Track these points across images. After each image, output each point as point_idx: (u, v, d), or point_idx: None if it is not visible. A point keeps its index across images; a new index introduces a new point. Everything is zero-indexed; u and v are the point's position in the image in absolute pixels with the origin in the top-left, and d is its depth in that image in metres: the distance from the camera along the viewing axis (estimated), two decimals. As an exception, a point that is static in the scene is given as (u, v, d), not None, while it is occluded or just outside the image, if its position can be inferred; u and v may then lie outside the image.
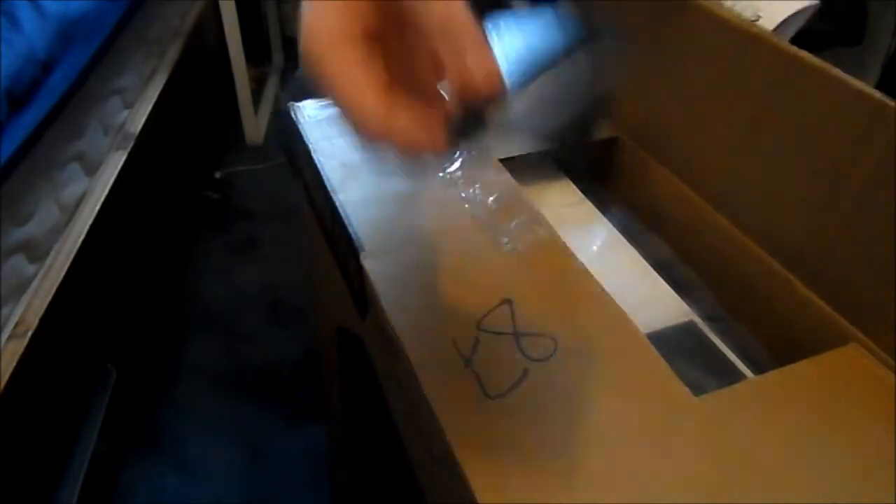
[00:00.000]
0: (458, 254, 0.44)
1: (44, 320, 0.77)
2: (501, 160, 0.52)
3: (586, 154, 0.62)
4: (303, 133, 0.54)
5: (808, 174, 0.42)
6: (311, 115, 0.56)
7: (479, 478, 0.32)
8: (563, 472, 0.33)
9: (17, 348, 0.73)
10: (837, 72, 0.39)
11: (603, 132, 0.57)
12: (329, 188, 0.49)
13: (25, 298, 0.80)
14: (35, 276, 0.84)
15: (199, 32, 1.61)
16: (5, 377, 0.66)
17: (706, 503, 0.32)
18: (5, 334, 0.74)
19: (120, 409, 1.06)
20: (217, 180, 1.77)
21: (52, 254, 0.88)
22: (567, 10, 0.33)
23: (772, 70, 0.43)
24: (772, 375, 0.39)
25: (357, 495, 0.79)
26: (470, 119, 0.28)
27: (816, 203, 0.41)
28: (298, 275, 1.41)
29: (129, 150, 1.13)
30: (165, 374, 1.27)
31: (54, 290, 0.82)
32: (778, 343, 0.45)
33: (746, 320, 0.47)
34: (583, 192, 0.58)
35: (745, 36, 0.44)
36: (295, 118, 0.55)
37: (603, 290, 0.42)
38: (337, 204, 0.47)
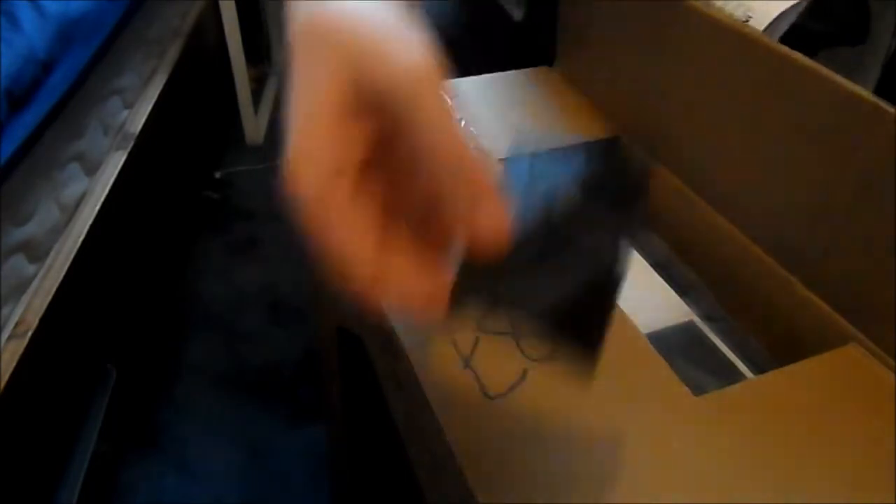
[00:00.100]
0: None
1: (44, 320, 0.77)
2: (501, 160, 0.52)
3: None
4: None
5: (806, 174, 0.42)
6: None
7: (479, 478, 0.32)
8: (563, 472, 0.33)
9: (17, 348, 0.73)
10: (829, 73, 0.39)
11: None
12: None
13: (25, 298, 0.80)
14: (35, 276, 0.84)
15: (199, 32, 1.61)
16: (5, 377, 0.66)
17: (706, 503, 0.32)
18: (5, 334, 0.74)
19: (120, 409, 1.06)
20: (217, 180, 1.77)
21: (52, 254, 0.88)
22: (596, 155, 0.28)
23: (764, 71, 0.43)
24: (772, 375, 0.39)
25: (357, 495, 0.79)
26: (469, 277, 0.25)
27: (816, 203, 0.41)
28: (298, 275, 1.41)
29: (129, 150, 1.13)
30: (165, 374, 1.27)
31: (54, 290, 0.82)
32: (778, 343, 0.45)
33: (746, 320, 0.47)
34: (583, 192, 0.58)
35: (737, 36, 0.44)
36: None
37: (603, 290, 0.42)
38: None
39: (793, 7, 0.46)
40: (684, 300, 0.49)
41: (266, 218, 1.65)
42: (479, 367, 0.37)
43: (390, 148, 0.24)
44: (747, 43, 0.44)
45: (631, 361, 0.38)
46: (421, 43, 0.25)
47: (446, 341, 0.38)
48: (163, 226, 1.43)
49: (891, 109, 0.36)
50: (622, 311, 0.41)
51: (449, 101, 0.24)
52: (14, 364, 0.69)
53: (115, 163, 1.09)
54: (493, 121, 0.58)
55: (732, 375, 0.44)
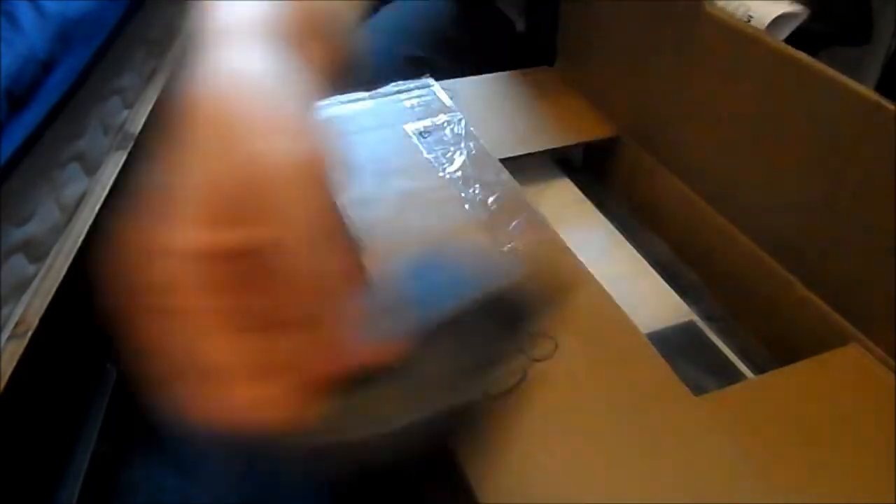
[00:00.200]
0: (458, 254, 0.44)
1: (44, 320, 0.77)
2: (501, 160, 0.52)
3: (586, 154, 0.62)
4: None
5: (807, 174, 0.42)
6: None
7: (479, 478, 0.32)
8: (563, 472, 0.33)
9: (17, 348, 0.73)
10: (831, 71, 0.39)
11: (603, 131, 0.58)
12: (329, 188, 0.48)
13: (25, 298, 0.79)
14: (35, 276, 0.83)
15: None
16: (5, 377, 0.66)
17: (706, 503, 0.32)
18: (5, 334, 0.73)
19: (120, 409, 1.06)
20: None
21: (52, 254, 0.88)
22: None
23: (765, 71, 0.43)
24: (772, 375, 0.39)
25: (357, 495, 0.79)
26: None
27: (816, 203, 0.41)
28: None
29: (129, 150, 1.13)
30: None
31: (54, 290, 0.82)
32: (778, 343, 0.45)
33: (746, 320, 0.47)
34: (583, 192, 0.58)
35: (738, 36, 0.44)
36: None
37: (603, 290, 0.42)
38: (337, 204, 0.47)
39: (792, 16, 0.46)
40: (684, 300, 0.49)
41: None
42: (479, 367, 0.37)
43: (258, 252, 0.21)
44: (749, 43, 0.44)
45: (631, 361, 0.38)
46: (311, 127, 0.23)
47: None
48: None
49: (891, 107, 0.36)
50: (622, 311, 0.41)
51: (330, 199, 0.22)
52: (14, 364, 0.68)
53: (116, 163, 1.09)
54: (493, 121, 0.58)
55: (732, 375, 0.44)
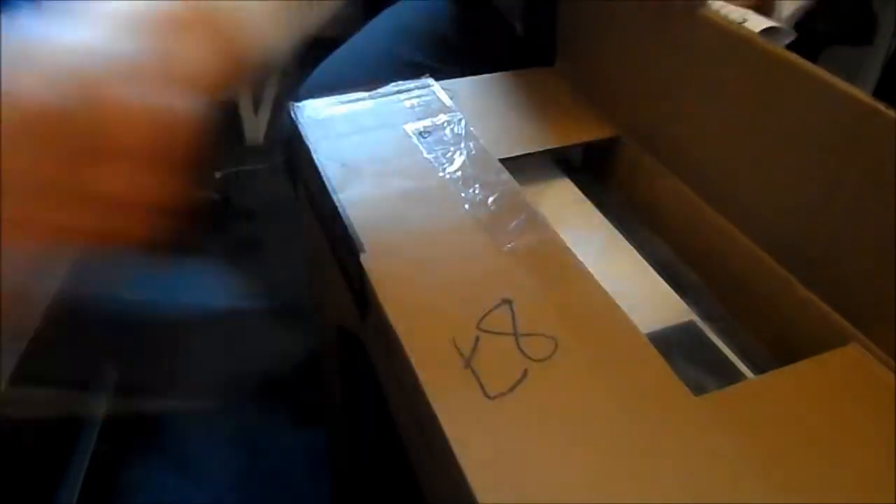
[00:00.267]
0: (458, 254, 0.44)
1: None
2: (501, 160, 0.52)
3: (586, 154, 0.62)
4: (303, 133, 0.54)
5: (805, 174, 0.42)
6: (311, 115, 0.56)
7: (479, 478, 0.32)
8: (563, 472, 0.33)
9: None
10: (827, 75, 0.39)
11: (603, 132, 0.58)
12: (329, 188, 0.49)
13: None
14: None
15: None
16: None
17: (706, 503, 0.32)
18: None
19: (120, 410, 1.06)
20: (217, 180, 1.77)
21: (53, 254, 0.88)
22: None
23: (763, 72, 0.43)
24: (772, 375, 0.39)
25: (357, 495, 0.79)
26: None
27: (815, 203, 0.41)
28: (298, 275, 1.41)
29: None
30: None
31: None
32: (778, 343, 0.45)
33: (746, 320, 0.47)
34: (583, 192, 0.58)
35: (735, 38, 0.44)
36: (295, 118, 0.55)
37: (603, 290, 0.42)
38: (337, 204, 0.47)
39: (787, 19, 0.46)
40: (684, 300, 0.49)
41: (266, 218, 1.64)
42: (479, 367, 0.37)
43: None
44: (745, 45, 0.44)
45: (631, 361, 0.38)
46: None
47: (446, 341, 0.38)
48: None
49: (890, 111, 0.36)
50: (622, 311, 0.41)
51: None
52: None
53: None
54: (493, 121, 0.58)
55: (732, 375, 0.44)
